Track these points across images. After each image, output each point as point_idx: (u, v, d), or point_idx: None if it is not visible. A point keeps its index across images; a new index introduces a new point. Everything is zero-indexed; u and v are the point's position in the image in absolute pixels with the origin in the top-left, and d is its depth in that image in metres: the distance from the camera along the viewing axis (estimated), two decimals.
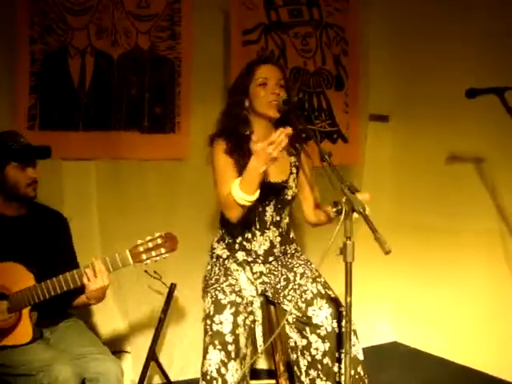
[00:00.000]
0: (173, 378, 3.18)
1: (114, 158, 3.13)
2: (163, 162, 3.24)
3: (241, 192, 2.20)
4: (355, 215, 1.94)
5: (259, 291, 2.46)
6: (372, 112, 3.81)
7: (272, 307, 2.56)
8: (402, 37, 3.74)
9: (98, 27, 3.06)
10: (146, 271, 2.92)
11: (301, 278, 2.47)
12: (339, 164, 3.60)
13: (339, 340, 2.31)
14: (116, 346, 3.15)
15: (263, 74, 2.44)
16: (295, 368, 2.44)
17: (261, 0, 3.45)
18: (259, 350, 2.40)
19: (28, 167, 2.36)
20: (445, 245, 3.53)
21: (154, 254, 2.23)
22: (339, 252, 1.96)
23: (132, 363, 3.20)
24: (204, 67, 3.30)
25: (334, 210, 1.95)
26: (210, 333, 2.25)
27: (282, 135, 2.10)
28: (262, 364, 3.45)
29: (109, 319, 3.19)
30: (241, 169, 2.36)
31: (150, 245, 2.23)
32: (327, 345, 2.32)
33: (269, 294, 2.49)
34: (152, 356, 3.02)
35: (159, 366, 3.08)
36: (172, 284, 3.06)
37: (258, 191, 2.23)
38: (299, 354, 2.40)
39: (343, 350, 2.23)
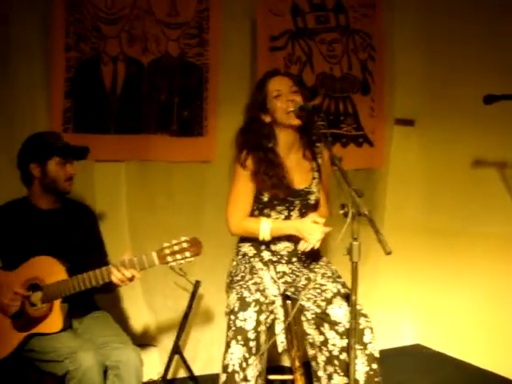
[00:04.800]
0: (197, 373, 3.28)
1: (143, 159, 3.27)
2: (190, 164, 3.37)
3: (267, 234, 2.51)
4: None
5: (281, 290, 2.55)
6: (397, 116, 3.86)
7: (289, 302, 2.63)
8: (428, 42, 3.79)
9: (130, 35, 3.20)
10: (171, 267, 3.04)
11: (321, 278, 2.56)
12: (365, 167, 3.74)
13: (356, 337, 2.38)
14: (143, 340, 3.29)
15: (276, 87, 2.58)
16: (313, 364, 2.52)
17: (288, 7, 3.54)
18: (280, 346, 2.47)
19: (67, 164, 2.54)
20: (469, 249, 3.56)
21: (179, 256, 2.32)
22: (346, 252, 2.02)
23: (158, 357, 3.33)
24: (231, 73, 3.41)
25: (342, 212, 2.03)
26: (233, 328, 2.34)
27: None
28: (286, 361, 3.53)
29: (137, 313, 3.34)
30: (266, 185, 2.56)
31: (176, 248, 2.32)
32: (345, 341, 2.39)
33: (289, 292, 2.58)
34: (176, 350, 3.13)
35: (183, 359, 3.20)
36: (197, 281, 3.18)
37: None
38: (317, 349, 2.49)
39: (360, 346, 2.34)
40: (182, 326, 3.15)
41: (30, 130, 2.96)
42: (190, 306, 3.16)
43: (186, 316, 3.16)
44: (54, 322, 2.34)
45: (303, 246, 2.49)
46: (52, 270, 2.36)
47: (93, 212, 2.75)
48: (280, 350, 2.46)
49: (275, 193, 2.55)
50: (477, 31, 3.45)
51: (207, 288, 3.29)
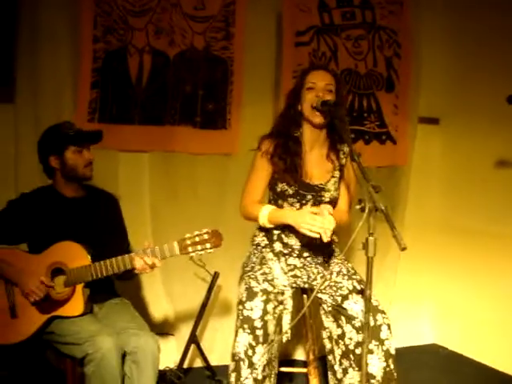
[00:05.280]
0: (214, 363, 3.32)
1: (166, 150, 3.31)
2: (213, 157, 3.40)
3: (266, 220, 2.51)
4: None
5: (290, 282, 2.56)
6: (422, 114, 3.85)
7: (305, 296, 2.66)
8: (454, 41, 3.77)
9: (156, 28, 3.24)
10: (191, 258, 3.08)
11: (337, 276, 2.57)
12: (388, 165, 3.73)
13: (372, 333, 2.39)
14: (161, 328, 3.35)
15: (312, 79, 2.59)
16: (330, 357, 2.54)
17: (314, 2, 3.55)
18: (283, 334, 2.48)
19: (84, 150, 2.59)
20: (490, 249, 3.54)
21: (199, 247, 2.37)
22: (362, 247, 2.03)
23: (175, 345, 3.37)
24: (256, 67, 3.44)
25: (358, 207, 2.04)
26: (240, 317, 2.38)
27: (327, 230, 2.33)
28: (300, 355, 3.56)
29: (156, 302, 3.39)
30: (279, 168, 2.55)
31: (197, 239, 2.37)
32: (360, 336, 2.40)
33: (300, 284, 2.59)
34: (193, 339, 3.18)
35: (199, 349, 3.24)
36: (215, 272, 3.22)
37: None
38: (334, 343, 2.51)
39: (376, 342, 2.35)
40: (200, 315, 3.20)
41: (56, 119, 3.02)
42: (207, 297, 3.20)
43: (203, 306, 3.20)
44: (76, 305, 2.40)
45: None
46: (75, 255, 2.42)
47: (116, 200, 2.80)
48: (284, 340, 2.48)
49: (286, 179, 2.56)
50: (503, 31, 3.43)
51: (226, 279, 3.33)
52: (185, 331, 3.32)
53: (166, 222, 3.32)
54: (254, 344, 2.33)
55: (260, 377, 2.33)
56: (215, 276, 3.21)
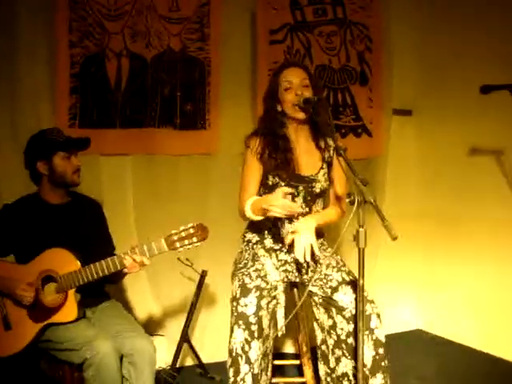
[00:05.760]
0: (204, 360, 3.35)
1: (148, 153, 3.34)
2: (194, 157, 3.44)
3: (250, 212, 2.51)
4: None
5: (282, 277, 2.62)
6: (395, 106, 3.94)
7: (295, 290, 2.71)
8: (425, 33, 3.87)
9: (133, 31, 3.26)
10: (178, 259, 3.12)
11: (326, 269, 2.63)
12: (364, 157, 3.81)
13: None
14: (150, 329, 3.33)
15: (287, 78, 2.64)
16: (323, 347, 2.60)
17: (287, 0, 3.60)
18: (279, 330, 2.54)
19: (72, 156, 2.60)
20: (466, 233, 3.67)
21: (186, 242, 2.42)
22: (353, 239, 2.10)
23: (166, 346, 3.40)
24: (232, 66, 3.48)
25: (348, 200, 2.10)
26: (235, 314, 2.43)
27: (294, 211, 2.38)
28: (289, 348, 3.62)
29: (143, 304, 3.41)
30: (271, 165, 2.61)
31: (183, 234, 2.42)
32: (351, 326, 2.48)
33: (291, 278, 2.65)
34: (185, 338, 3.21)
35: (191, 347, 3.28)
36: (203, 270, 3.25)
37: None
38: (326, 333, 2.57)
39: (366, 332, 2.42)
40: (190, 314, 3.23)
41: (36, 126, 3.02)
42: (197, 295, 3.24)
43: (193, 305, 3.23)
44: (69, 311, 2.41)
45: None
46: (64, 262, 2.43)
47: (100, 205, 2.81)
48: (279, 334, 2.53)
49: (279, 174, 2.61)
50: (474, 21, 3.53)
51: (212, 277, 3.36)
52: (174, 331, 3.34)
53: (150, 224, 3.33)
54: (249, 339, 2.37)
55: (257, 371, 2.38)
56: (203, 274, 3.25)
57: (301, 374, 2.81)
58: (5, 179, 3.04)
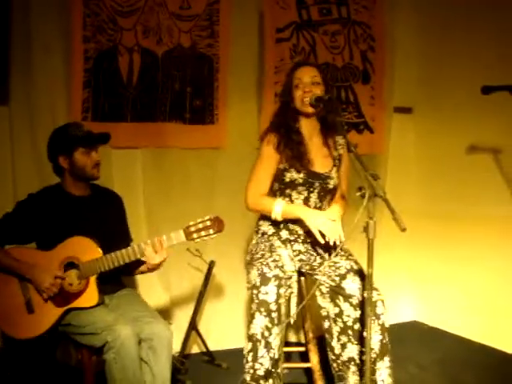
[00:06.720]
0: (211, 348, 3.45)
1: (158, 146, 3.44)
2: (202, 151, 3.54)
3: (279, 214, 2.68)
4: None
5: (296, 267, 2.74)
6: (396, 104, 4.05)
7: (302, 278, 2.83)
8: (427, 33, 3.97)
9: (145, 27, 3.35)
10: (188, 249, 3.22)
11: (335, 257, 2.74)
12: (365, 153, 3.91)
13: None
14: None
15: (298, 76, 2.77)
16: (327, 335, 2.72)
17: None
18: (292, 317, 2.65)
19: (92, 151, 2.67)
20: (464, 230, 3.76)
21: (203, 233, 2.52)
22: (363, 230, 2.21)
23: (174, 333, 3.45)
24: (240, 63, 3.58)
25: (359, 194, 2.22)
26: (256, 301, 2.54)
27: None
28: (291, 337, 3.73)
29: (152, 293, 3.47)
30: (287, 155, 2.73)
31: (201, 226, 2.51)
32: (358, 312, 2.60)
33: (304, 269, 2.78)
34: (193, 326, 3.31)
35: (199, 335, 3.38)
36: (211, 261, 3.36)
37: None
38: (331, 321, 2.69)
39: (373, 317, 2.54)
40: (198, 303, 3.33)
41: (51, 119, 3.12)
42: (205, 285, 3.34)
43: (201, 294, 3.34)
44: (91, 296, 2.50)
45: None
46: (87, 249, 2.52)
47: (120, 198, 2.88)
48: (292, 321, 2.65)
49: (295, 166, 2.72)
50: (476, 21, 3.61)
51: (219, 268, 3.46)
52: (182, 319, 3.45)
53: (159, 216, 3.44)
54: (270, 326, 2.50)
55: (277, 356, 2.52)
56: (211, 265, 3.35)
57: (303, 361, 2.94)
58: (22, 176, 3.12)
